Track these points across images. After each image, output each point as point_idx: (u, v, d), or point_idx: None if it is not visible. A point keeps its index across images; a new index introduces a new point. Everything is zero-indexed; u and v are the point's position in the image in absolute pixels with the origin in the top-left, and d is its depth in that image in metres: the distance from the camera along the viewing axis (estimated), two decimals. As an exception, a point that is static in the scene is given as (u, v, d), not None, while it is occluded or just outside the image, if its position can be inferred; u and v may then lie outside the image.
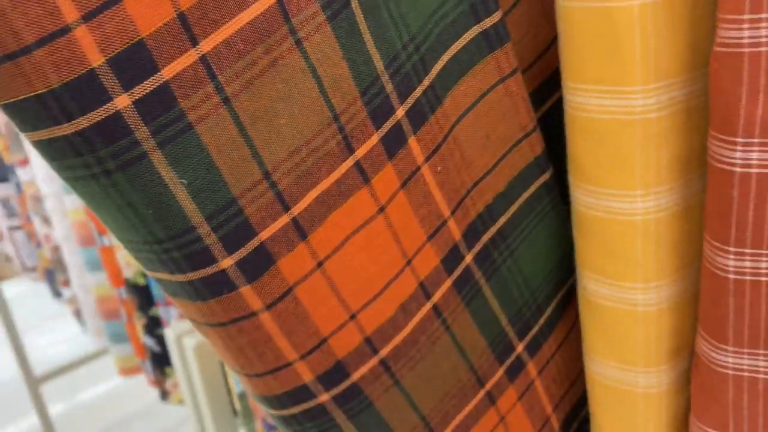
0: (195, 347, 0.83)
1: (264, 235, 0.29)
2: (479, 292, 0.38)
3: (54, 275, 1.33)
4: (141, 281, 0.92)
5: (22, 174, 1.28)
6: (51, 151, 0.27)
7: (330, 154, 0.30)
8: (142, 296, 0.93)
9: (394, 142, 0.32)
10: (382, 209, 0.32)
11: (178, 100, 0.26)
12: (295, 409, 0.34)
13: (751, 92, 0.29)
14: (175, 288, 0.30)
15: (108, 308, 1.08)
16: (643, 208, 0.34)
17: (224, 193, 0.28)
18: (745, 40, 0.29)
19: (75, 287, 1.17)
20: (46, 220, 1.24)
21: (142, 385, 2.06)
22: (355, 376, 0.34)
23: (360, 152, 0.31)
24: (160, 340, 0.95)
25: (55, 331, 2.55)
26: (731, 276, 0.32)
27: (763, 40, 0.28)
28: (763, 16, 0.28)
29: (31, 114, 0.25)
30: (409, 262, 0.34)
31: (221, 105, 0.27)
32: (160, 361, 0.96)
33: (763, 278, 0.31)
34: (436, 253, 0.35)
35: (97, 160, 0.26)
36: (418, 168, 0.33)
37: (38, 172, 1.13)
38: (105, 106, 0.25)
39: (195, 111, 0.26)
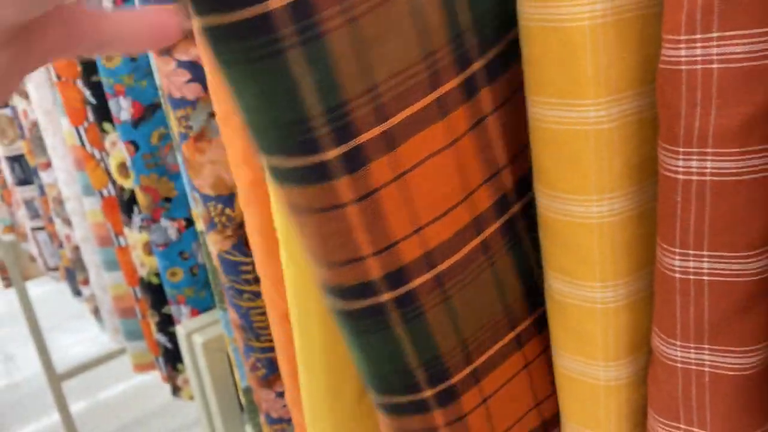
0: (203, 343, 0.86)
1: (363, 138, 0.35)
2: (520, 242, 0.44)
3: (74, 274, 1.37)
4: (155, 280, 0.96)
5: (44, 176, 1.33)
6: (213, 36, 0.32)
7: (420, 84, 0.36)
8: (155, 295, 0.96)
9: (469, 89, 0.38)
10: (453, 143, 0.38)
11: (319, 10, 0.32)
12: (359, 304, 0.39)
13: (690, 106, 0.32)
14: (285, 174, 0.36)
15: (124, 306, 1.13)
16: (597, 212, 0.37)
17: (340, 96, 0.34)
18: (683, 59, 0.31)
19: (93, 286, 1.21)
20: (67, 222, 1.28)
21: (159, 383, 2.10)
22: (414, 283, 0.39)
23: (443, 89, 0.37)
24: (172, 338, 0.99)
25: (78, 330, 2.61)
26: (677, 275, 0.35)
27: (698, 58, 0.31)
28: (698, 36, 0.30)
29: (204, 3, 0.31)
30: (468, 196, 0.40)
31: (349, 22, 0.33)
32: (172, 357, 1.00)
33: (705, 277, 0.34)
34: (489, 196, 0.41)
35: (247, 48, 0.32)
36: (485, 116, 0.39)
37: (60, 175, 1.17)
38: (263, 3, 0.31)
39: (329, 22, 0.32)
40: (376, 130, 0.35)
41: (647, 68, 0.35)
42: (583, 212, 0.37)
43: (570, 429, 0.44)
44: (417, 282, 0.39)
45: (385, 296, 0.39)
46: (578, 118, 0.35)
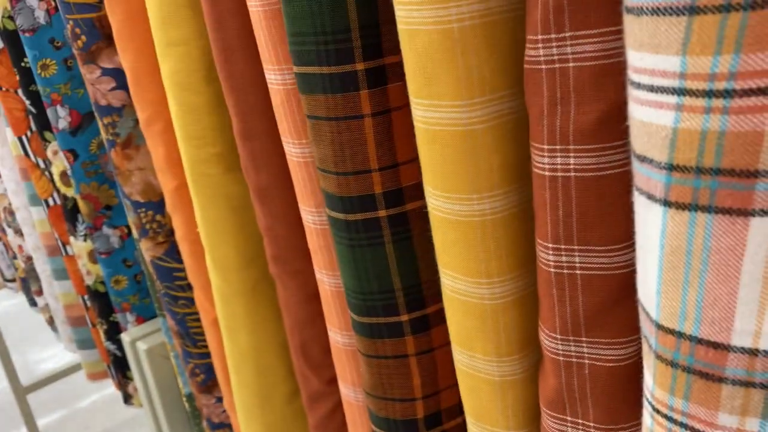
0: (147, 350, 0.86)
1: (387, 60, 0.40)
2: None
3: (29, 285, 1.36)
4: (101, 288, 0.96)
5: (-5, 187, 1.32)
6: None
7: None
8: (102, 303, 0.96)
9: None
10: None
11: None
12: (360, 216, 0.43)
13: (551, 104, 0.32)
14: (315, 81, 0.41)
15: (75, 315, 1.12)
16: (479, 210, 0.38)
17: (375, 18, 0.39)
18: (542, 58, 0.32)
19: (47, 296, 1.21)
20: (19, 232, 1.27)
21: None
22: (408, 206, 0.43)
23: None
24: (121, 346, 0.98)
25: (47, 343, 2.58)
26: (552, 270, 0.35)
27: (555, 57, 0.31)
28: (552, 36, 0.31)
29: None
30: None
31: None
32: (122, 365, 1.00)
33: (578, 271, 0.35)
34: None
35: None
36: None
37: (9, 185, 1.17)
38: None
39: None
40: (397, 57, 0.40)
41: (518, 69, 0.36)
42: (466, 211, 0.38)
43: (470, 424, 0.45)
44: (410, 206, 0.43)
45: (383, 212, 0.43)
46: (452, 118, 0.36)
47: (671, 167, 0.25)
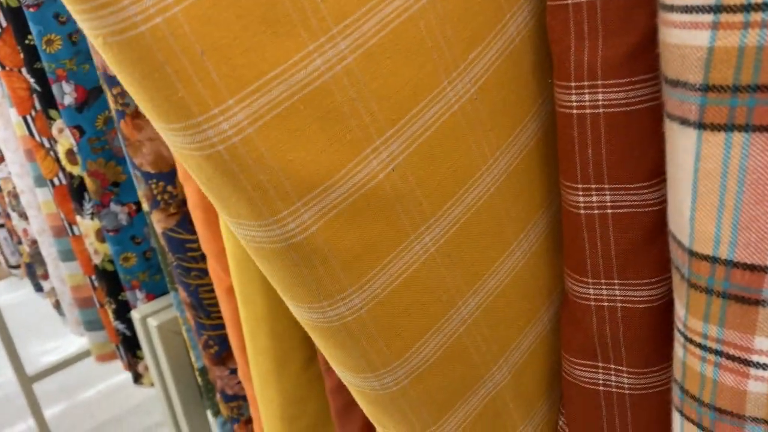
0: (158, 326, 0.86)
1: None
2: None
3: (34, 269, 1.36)
4: (109, 267, 0.96)
5: (-1, 172, 1.31)
6: None
7: None
8: (111, 282, 0.96)
9: None
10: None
11: None
12: None
13: (578, 39, 0.32)
14: None
15: (82, 296, 1.12)
16: (336, 315, 0.34)
17: None
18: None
19: (53, 279, 1.21)
20: (24, 215, 1.27)
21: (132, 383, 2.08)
22: None
23: None
24: (130, 324, 0.98)
25: (53, 334, 2.58)
26: (582, 212, 0.35)
27: (583, -8, 0.31)
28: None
29: None
30: None
31: None
32: (132, 344, 1.00)
33: (609, 210, 0.35)
34: None
35: None
36: None
37: (13, 168, 1.16)
38: None
39: None
40: None
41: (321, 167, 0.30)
42: (322, 318, 0.34)
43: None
44: None
45: None
46: (265, 236, 0.31)
47: (707, 88, 0.26)
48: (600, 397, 0.39)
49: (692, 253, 0.29)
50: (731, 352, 0.29)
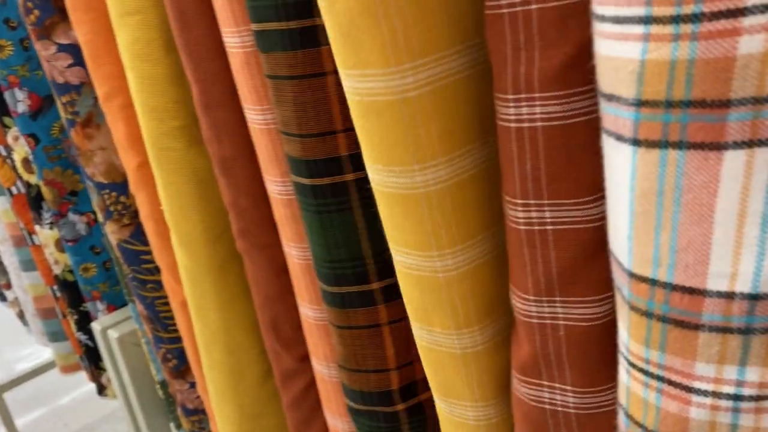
0: (119, 338, 0.84)
1: None
2: None
3: (-3, 279, 1.33)
4: (69, 277, 0.93)
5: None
6: None
7: None
8: (72, 292, 0.93)
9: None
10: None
11: None
12: (326, 180, 0.42)
13: (514, 50, 0.31)
14: (275, 38, 0.39)
15: (44, 307, 1.09)
16: (422, 182, 0.36)
17: None
18: (503, 1, 0.30)
19: (15, 289, 1.18)
20: (-16, 224, 1.24)
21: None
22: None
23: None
24: (93, 336, 0.96)
25: (21, 341, 2.54)
26: (522, 227, 0.34)
27: (518, 1, 0.30)
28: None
29: None
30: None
31: None
32: (95, 356, 0.97)
33: (549, 227, 0.33)
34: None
35: None
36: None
37: (-28, 176, 1.13)
38: None
39: None
40: None
41: (455, 26, 0.34)
42: (408, 183, 0.36)
43: (437, 400, 0.43)
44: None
45: (350, 176, 0.42)
46: (384, 87, 0.34)
47: (640, 103, 0.24)
48: (547, 415, 0.38)
49: (631, 275, 0.27)
50: (673, 378, 0.27)
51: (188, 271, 0.59)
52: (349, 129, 0.40)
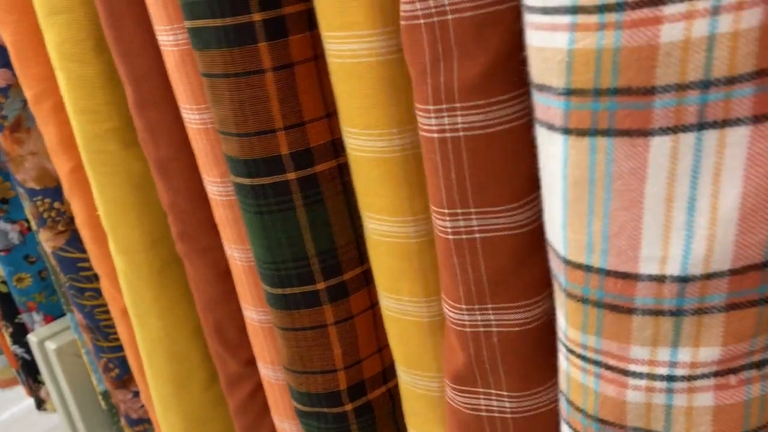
0: (57, 349, 0.81)
1: (287, 10, 0.38)
2: None
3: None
4: (3, 288, 0.90)
5: None
6: None
7: None
8: (6, 304, 0.90)
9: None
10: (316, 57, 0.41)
11: None
12: (267, 180, 0.41)
13: (433, 61, 0.31)
14: (209, 35, 0.38)
15: (-22, 321, 1.05)
16: (399, 145, 0.36)
17: None
18: (419, 12, 0.30)
19: (-54, 303, 1.13)
20: None
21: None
22: (318, 168, 0.41)
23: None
24: (29, 348, 0.93)
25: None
26: (450, 237, 0.34)
27: (433, 10, 0.30)
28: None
29: None
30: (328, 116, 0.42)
31: None
32: (32, 369, 0.94)
33: (477, 235, 0.33)
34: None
35: None
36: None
37: None
38: None
39: None
40: (297, 7, 0.38)
41: None
42: (386, 147, 0.36)
43: (401, 372, 0.43)
44: (321, 167, 0.41)
45: (291, 175, 0.41)
46: (369, 48, 0.34)
47: (569, 92, 0.25)
48: (484, 422, 0.38)
49: (567, 262, 0.28)
50: (610, 362, 0.28)
51: (127, 278, 0.57)
52: (290, 127, 0.40)
